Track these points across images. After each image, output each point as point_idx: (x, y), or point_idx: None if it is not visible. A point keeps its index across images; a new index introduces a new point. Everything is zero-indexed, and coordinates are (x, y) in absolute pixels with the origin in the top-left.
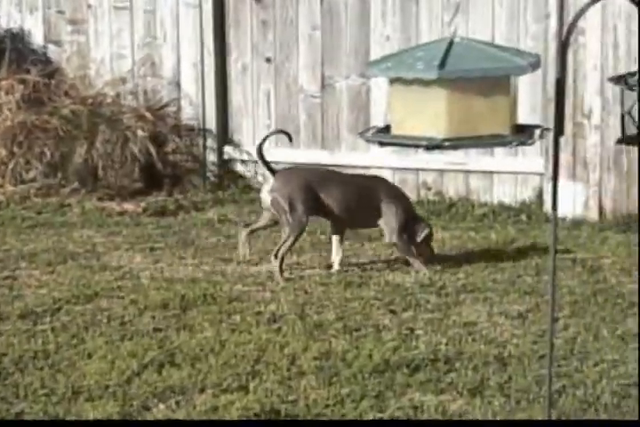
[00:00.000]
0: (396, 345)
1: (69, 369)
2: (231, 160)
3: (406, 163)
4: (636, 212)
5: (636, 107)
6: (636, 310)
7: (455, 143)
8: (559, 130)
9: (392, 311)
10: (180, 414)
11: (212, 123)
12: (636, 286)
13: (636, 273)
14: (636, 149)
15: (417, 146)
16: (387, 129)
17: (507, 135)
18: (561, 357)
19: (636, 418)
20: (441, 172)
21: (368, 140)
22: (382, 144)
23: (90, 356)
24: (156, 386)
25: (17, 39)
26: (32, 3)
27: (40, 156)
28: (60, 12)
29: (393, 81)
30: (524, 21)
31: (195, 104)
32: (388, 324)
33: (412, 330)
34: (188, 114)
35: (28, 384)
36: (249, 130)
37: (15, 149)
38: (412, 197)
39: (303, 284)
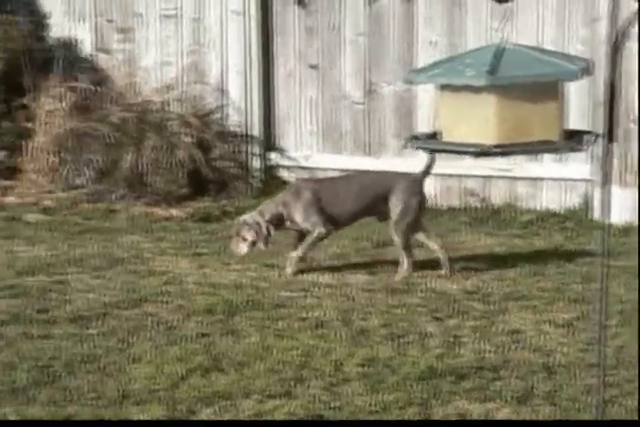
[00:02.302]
0: (442, 352)
1: (117, 373)
2: (275, 166)
3: (450, 169)
4: None
5: None
6: None
7: (505, 150)
8: (610, 136)
9: (437, 318)
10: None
11: (256, 129)
12: None
13: None
14: None
15: (466, 153)
16: (432, 136)
17: (557, 142)
18: (610, 366)
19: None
20: (486, 178)
21: (417, 148)
22: (432, 151)
23: (137, 360)
24: (202, 391)
25: (67, 48)
26: (82, 12)
27: (89, 162)
28: (110, 20)
29: (442, 88)
30: (574, 25)
31: (240, 110)
32: (432, 331)
33: (457, 337)
34: (233, 120)
35: (78, 388)
36: (293, 136)
37: (65, 156)
38: (456, 203)
39: (347, 290)
